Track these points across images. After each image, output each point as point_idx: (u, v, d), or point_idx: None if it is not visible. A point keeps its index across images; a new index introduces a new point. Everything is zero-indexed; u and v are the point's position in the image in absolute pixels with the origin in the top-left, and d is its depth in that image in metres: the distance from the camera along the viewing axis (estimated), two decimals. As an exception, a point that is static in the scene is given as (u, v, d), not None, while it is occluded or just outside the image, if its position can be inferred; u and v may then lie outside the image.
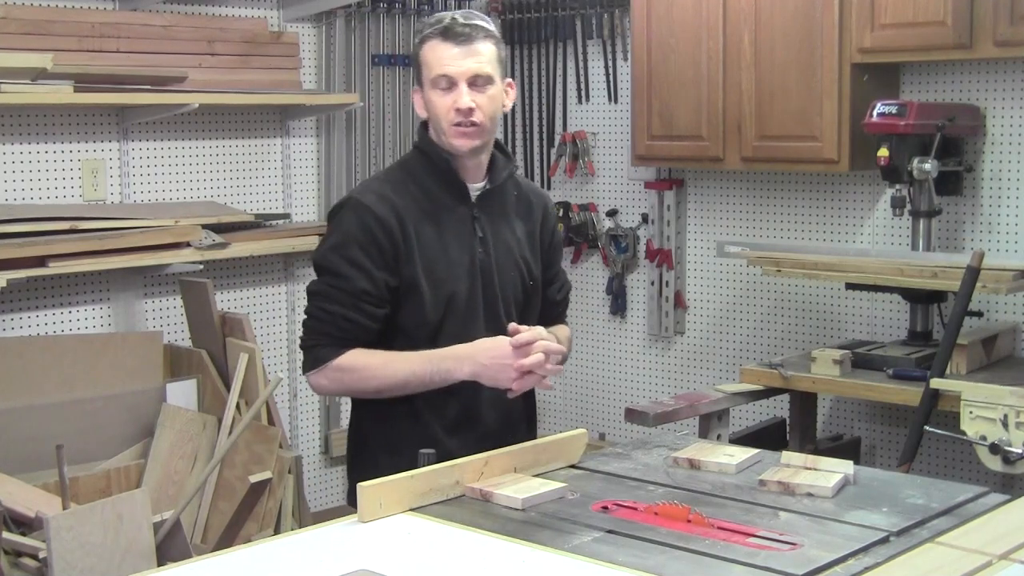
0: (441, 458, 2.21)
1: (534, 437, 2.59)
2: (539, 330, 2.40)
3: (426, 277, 2.42)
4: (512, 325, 2.39)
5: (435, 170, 2.48)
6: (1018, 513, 2.01)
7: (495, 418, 2.50)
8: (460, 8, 5.35)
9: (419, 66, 2.45)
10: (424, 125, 2.54)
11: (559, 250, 2.72)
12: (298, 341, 2.55)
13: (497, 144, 2.56)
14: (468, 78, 2.40)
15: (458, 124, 2.41)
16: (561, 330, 2.67)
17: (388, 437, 2.48)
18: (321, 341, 2.42)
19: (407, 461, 2.32)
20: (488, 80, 2.43)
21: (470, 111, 2.40)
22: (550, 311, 2.67)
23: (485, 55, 2.42)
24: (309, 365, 2.44)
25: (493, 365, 2.35)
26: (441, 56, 2.40)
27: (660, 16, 4.60)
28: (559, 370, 2.44)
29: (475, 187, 2.51)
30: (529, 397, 2.65)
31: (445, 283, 2.44)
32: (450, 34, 2.40)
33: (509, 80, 2.52)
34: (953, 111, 3.97)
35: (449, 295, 2.44)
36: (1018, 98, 4.11)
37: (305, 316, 2.47)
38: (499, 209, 2.55)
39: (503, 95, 2.49)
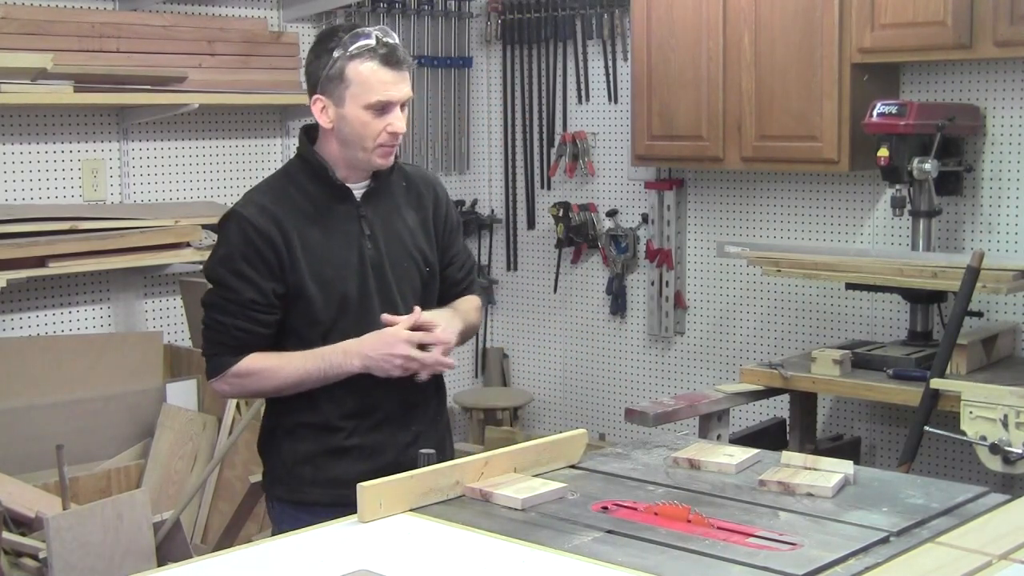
0: (338, 444, 2.44)
1: (444, 408, 2.68)
2: (414, 316, 2.46)
3: (314, 280, 2.48)
4: (384, 316, 2.46)
5: (315, 176, 2.53)
6: (1018, 513, 2.01)
7: (395, 405, 2.54)
8: (456, 7, 5.36)
9: (342, 81, 2.45)
10: (306, 131, 2.58)
11: (456, 231, 2.74)
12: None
13: None
14: (402, 103, 2.48)
15: (384, 145, 2.48)
16: (465, 301, 2.70)
17: (288, 425, 2.55)
18: (218, 351, 2.51)
19: (304, 445, 2.52)
20: (410, 101, 2.53)
21: (399, 134, 2.49)
22: (454, 289, 2.70)
23: (409, 78, 2.51)
24: (210, 373, 2.54)
25: (379, 357, 2.43)
26: (383, 80, 2.45)
27: (660, 16, 4.60)
28: (444, 362, 2.49)
29: (359, 187, 2.56)
30: (437, 379, 2.67)
31: (334, 284, 2.49)
32: (390, 60, 2.45)
33: None
34: (953, 111, 3.97)
35: (340, 295, 2.49)
36: (1018, 98, 4.11)
37: (203, 327, 2.54)
38: (387, 204, 2.59)
39: None
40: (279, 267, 2.46)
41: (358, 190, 2.55)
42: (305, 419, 2.52)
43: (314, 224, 2.50)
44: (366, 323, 2.48)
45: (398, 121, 2.47)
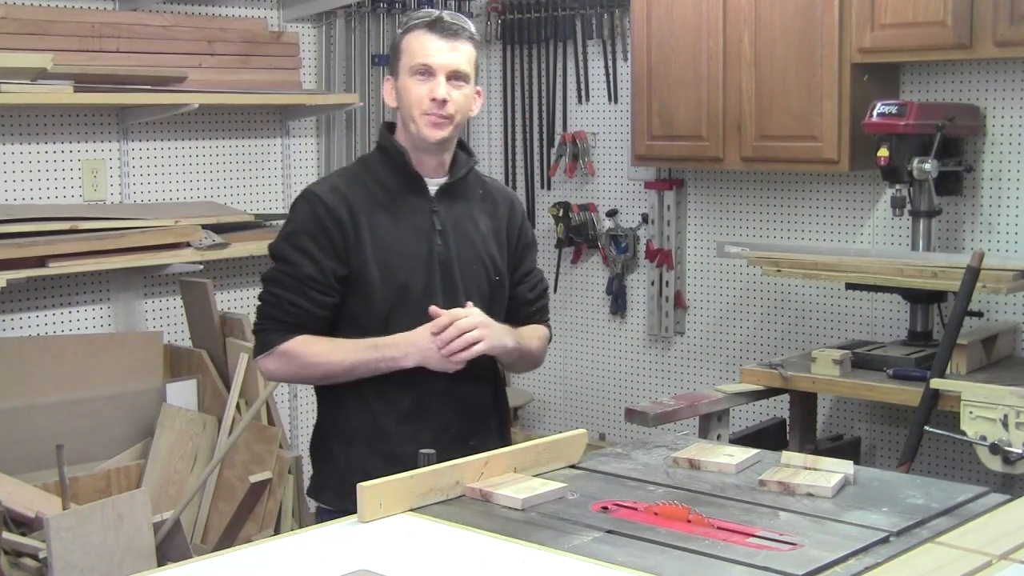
0: (393, 452, 2.33)
1: (507, 440, 2.60)
2: (455, 312, 2.43)
3: (377, 267, 2.45)
4: (432, 308, 2.43)
5: (392, 164, 2.52)
6: (1018, 513, 2.01)
7: (451, 413, 2.50)
8: (456, 7, 5.36)
9: (398, 54, 2.49)
10: (387, 126, 2.58)
11: (531, 249, 2.71)
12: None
13: (460, 143, 2.59)
14: (448, 71, 2.45)
15: (430, 114, 2.45)
16: (534, 329, 2.67)
17: (341, 428, 2.52)
18: (269, 326, 2.46)
19: (357, 453, 2.44)
20: (465, 78, 2.48)
21: (444, 102, 2.44)
22: (524, 310, 2.66)
23: (465, 53, 2.48)
24: (257, 349, 2.49)
25: (435, 348, 2.40)
26: (425, 45, 2.44)
27: (660, 16, 4.60)
28: (482, 349, 2.44)
29: (434, 182, 2.54)
30: (498, 396, 2.65)
31: (397, 273, 2.46)
32: (437, 27, 2.45)
33: (479, 88, 2.56)
34: (953, 111, 3.97)
35: (401, 285, 2.46)
36: (1018, 98, 4.11)
37: (258, 303, 2.51)
38: (461, 204, 2.57)
39: (474, 98, 2.54)
40: (343, 247, 2.44)
41: (433, 185, 2.53)
42: (359, 423, 2.48)
43: (385, 211, 2.48)
44: (427, 319, 2.44)
45: (440, 87, 2.43)
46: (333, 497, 2.49)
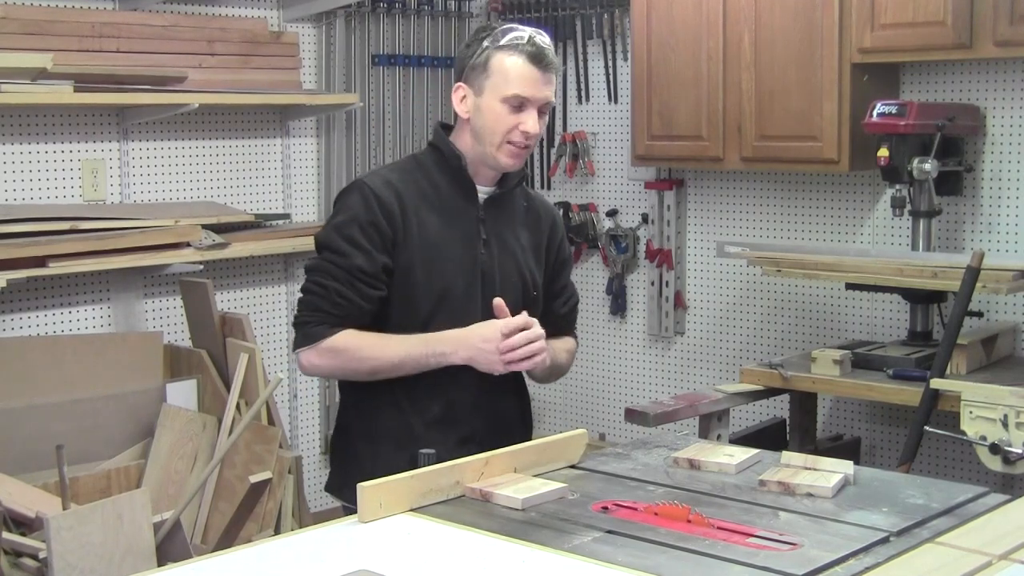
0: (419, 453, 2.24)
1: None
2: (528, 318, 2.42)
3: (422, 266, 2.44)
4: (497, 300, 2.41)
5: (446, 167, 2.50)
6: (1018, 513, 2.01)
7: (481, 421, 2.49)
8: (462, 8, 5.36)
9: (485, 72, 2.44)
10: (443, 126, 2.56)
11: (567, 265, 2.72)
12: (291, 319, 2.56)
13: None
14: (541, 105, 2.45)
15: (513, 144, 2.44)
16: (564, 342, 2.68)
17: (368, 427, 2.50)
18: (314, 318, 2.42)
19: (384, 452, 2.41)
20: (550, 108, 2.49)
21: (532, 136, 2.44)
22: (555, 324, 2.65)
23: (555, 84, 2.48)
24: (300, 342, 2.45)
25: (486, 348, 2.38)
26: (525, 76, 2.42)
27: (660, 16, 4.60)
28: (538, 362, 2.43)
29: (484, 190, 2.53)
30: (524, 402, 2.65)
31: (441, 275, 2.45)
32: (539, 59, 2.43)
33: None
34: (953, 111, 3.97)
35: (444, 288, 2.45)
36: (1018, 98, 4.11)
37: (301, 293, 2.47)
38: (506, 216, 2.56)
39: None
40: (392, 241, 2.42)
41: (483, 194, 2.52)
42: (387, 423, 2.46)
43: (434, 212, 2.47)
44: (464, 324, 2.42)
45: (531, 121, 2.42)
46: (354, 495, 2.48)
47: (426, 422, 2.46)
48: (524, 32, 2.45)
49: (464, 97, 2.48)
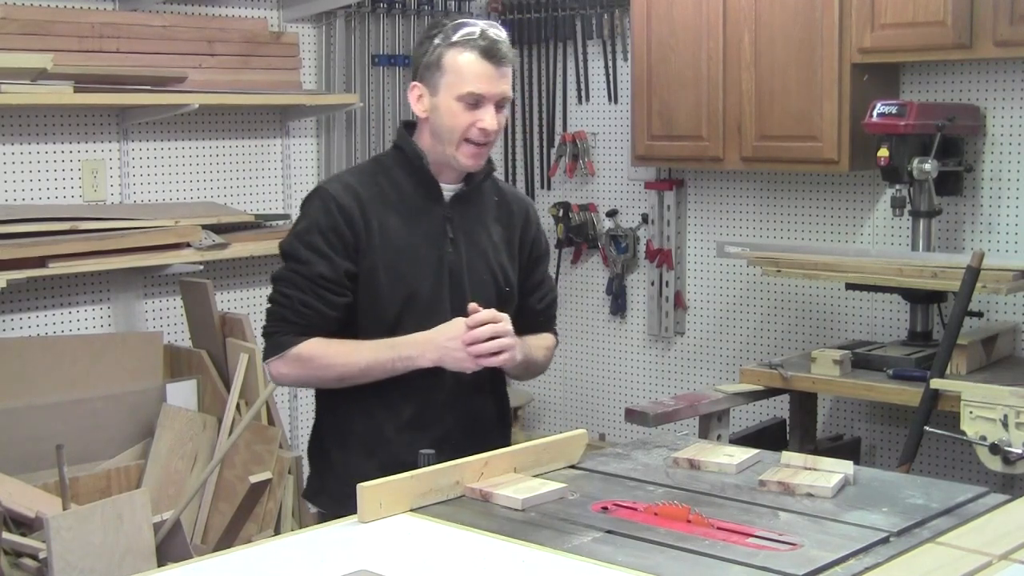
0: (392, 459, 2.26)
1: (507, 443, 2.56)
2: (495, 313, 2.38)
3: (386, 269, 2.41)
4: (472, 305, 2.38)
5: (409, 167, 2.48)
6: (1018, 513, 2.01)
7: (453, 422, 2.47)
8: (460, 9, 5.36)
9: (439, 70, 2.40)
10: (406, 125, 2.53)
11: (544, 258, 2.66)
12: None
13: None
14: (497, 100, 2.41)
15: (472, 141, 2.41)
16: (541, 338, 2.63)
17: (341, 433, 2.48)
18: (280, 328, 2.41)
19: (355, 458, 2.40)
20: (507, 101, 2.45)
21: (490, 133, 2.41)
22: (531, 320, 2.61)
23: (510, 77, 2.43)
24: (268, 352, 2.44)
25: (452, 346, 2.35)
26: (478, 73, 2.38)
27: (660, 16, 4.60)
28: (507, 358, 2.39)
29: (450, 188, 2.50)
30: (502, 408, 2.62)
31: (407, 278, 2.42)
32: (492, 54, 2.38)
33: None
34: (953, 111, 3.97)
35: (410, 290, 2.42)
36: (1018, 98, 4.11)
37: (268, 304, 2.46)
38: (475, 212, 2.53)
39: None
40: (355, 247, 2.40)
41: (448, 191, 2.49)
42: (358, 428, 2.44)
43: (397, 214, 2.44)
44: (433, 326, 2.39)
45: (489, 118, 2.39)
46: (328, 501, 2.46)
47: (397, 426, 2.43)
48: (476, 26, 2.41)
49: (420, 96, 2.44)
